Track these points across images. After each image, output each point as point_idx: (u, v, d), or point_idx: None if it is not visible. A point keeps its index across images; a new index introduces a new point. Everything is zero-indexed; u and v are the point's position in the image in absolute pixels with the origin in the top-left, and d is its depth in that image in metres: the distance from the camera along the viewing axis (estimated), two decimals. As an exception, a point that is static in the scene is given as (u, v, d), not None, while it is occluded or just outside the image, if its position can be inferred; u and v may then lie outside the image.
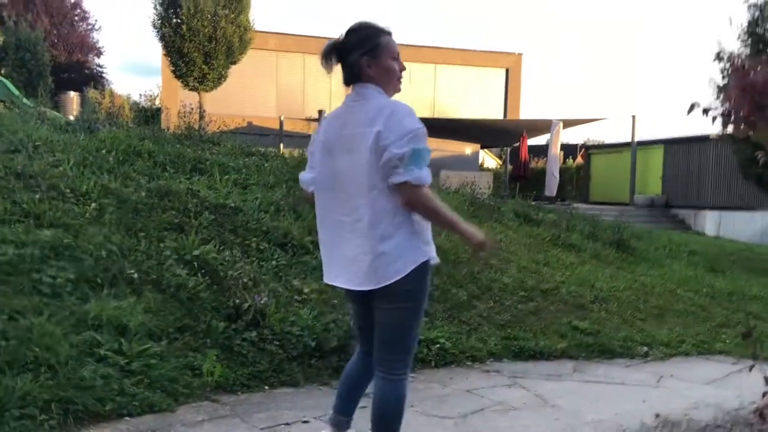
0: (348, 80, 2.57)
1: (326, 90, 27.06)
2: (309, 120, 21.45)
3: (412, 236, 2.49)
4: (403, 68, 2.57)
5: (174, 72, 17.63)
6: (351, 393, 2.84)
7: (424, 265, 2.52)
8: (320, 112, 19.66)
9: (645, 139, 21.45)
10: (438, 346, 4.90)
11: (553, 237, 9.38)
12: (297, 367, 4.18)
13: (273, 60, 26.07)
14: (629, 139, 20.67)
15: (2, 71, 21.66)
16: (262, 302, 4.46)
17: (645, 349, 5.71)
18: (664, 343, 5.92)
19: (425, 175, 2.40)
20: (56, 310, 3.76)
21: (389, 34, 2.58)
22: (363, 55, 2.50)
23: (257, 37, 18.93)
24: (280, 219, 6.25)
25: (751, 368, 3.06)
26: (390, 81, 2.55)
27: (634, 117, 20.17)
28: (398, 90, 2.59)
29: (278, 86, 26.44)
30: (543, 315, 6.18)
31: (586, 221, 11.31)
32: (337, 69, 2.59)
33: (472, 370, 4.80)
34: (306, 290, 5.09)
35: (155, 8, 17.19)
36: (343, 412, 2.84)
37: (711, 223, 17.74)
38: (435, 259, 2.59)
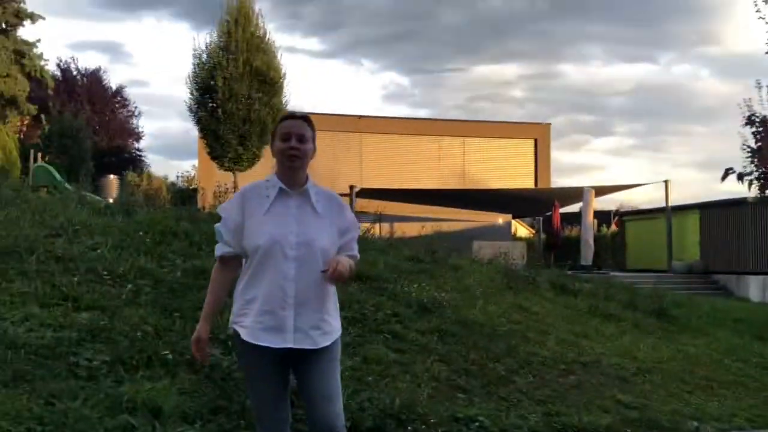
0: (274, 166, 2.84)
1: (357, 166, 27.54)
2: (341, 195, 21.69)
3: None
4: (291, 146, 2.70)
5: (210, 153, 18.15)
6: None
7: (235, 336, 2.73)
8: (351, 187, 19.94)
9: (680, 203, 21.21)
10: (477, 424, 4.73)
11: (591, 307, 9.18)
12: (332, 449, 4.07)
13: (305, 138, 26.66)
14: (663, 205, 20.43)
15: (47, 158, 22.53)
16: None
17: (695, 424, 5.45)
18: (714, 417, 5.65)
19: (216, 248, 2.77)
20: (92, 394, 3.76)
21: (288, 118, 2.83)
22: (271, 143, 2.81)
23: (289, 118, 19.44)
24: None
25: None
26: (279, 160, 2.74)
27: (667, 182, 20.04)
28: (292, 167, 2.72)
29: (310, 163, 26.95)
30: (585, 389, 5.97)
31: (624, 290, 11.07)
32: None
33: (513, 448, 4.62)
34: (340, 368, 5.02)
35: (192, 93, 17.88)
36: None
37: (755, 288, 17.23)
38: (235, 329, 2.72)
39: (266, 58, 17.81)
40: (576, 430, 5.06)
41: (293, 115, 2.83)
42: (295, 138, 2.71)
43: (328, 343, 2.70)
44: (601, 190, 20.43)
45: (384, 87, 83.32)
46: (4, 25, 29.48)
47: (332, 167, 26.90)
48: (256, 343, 2.60)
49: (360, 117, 28.96)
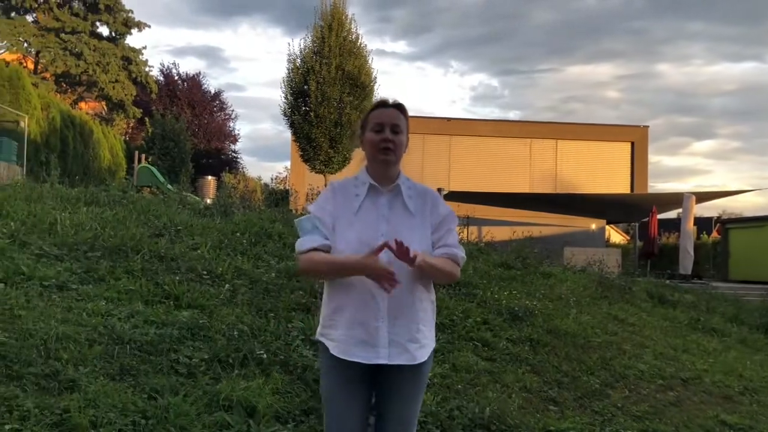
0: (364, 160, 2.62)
1: (445, 169, 27.43)
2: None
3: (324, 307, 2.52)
4: (385, 138, 2.45)
5: (302, 156, 18.56)
6: None
7: (318, 343, 2.52)
8: (439, 190, 19.86)
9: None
10: (569, 438, 4.60)
11: (691, 320, 8.75)
12: (421, 456, 4.06)
13: (394, 141, 26.84)
14: (772, 213, 19.20)
15: (149, 159, 23.70)
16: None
17: (808, 449, 5.08)
18: (830, 443, 5.25)
19: (299, 243, 2.42)
20: (191, 390, 3.90)
21: (380, 105, 2.55)
22: (360, 134, 2.57)
23: (379, 120, 19.61)
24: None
25: None
26: (371, 152, 2.50)
27: (776, 189, 18.79)
28: (386, 161, 2.47)
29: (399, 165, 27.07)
30: (685, 406, 5.69)
31: (728, 302, 10.49)
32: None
33: (608, 466, 4.45)
34: (429, 375, 5.00)
35: (286, 98, 18.34)
36: None
37: None
38: (322, 341, 2.48)
39: (358, 62, 18.02)
40: (676, 450, 4.82)
41: (385, 103, 2.54)
42: (388, 129, 2.46)
43: (425, 357, 2.46)
44: (702, 197, 19.45)
45: (473, 89, 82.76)
46: (113, 34, 31.25)
47: (420, 170, 26.92)
48: (347, 358, 2.35)
49: (449, 119, 28.83)
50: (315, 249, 2.36)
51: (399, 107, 2.53)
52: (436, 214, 2.52)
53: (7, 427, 3.07)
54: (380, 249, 2.25)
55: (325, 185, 17.13)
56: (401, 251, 2.24)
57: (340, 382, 2.42)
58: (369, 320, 2.34)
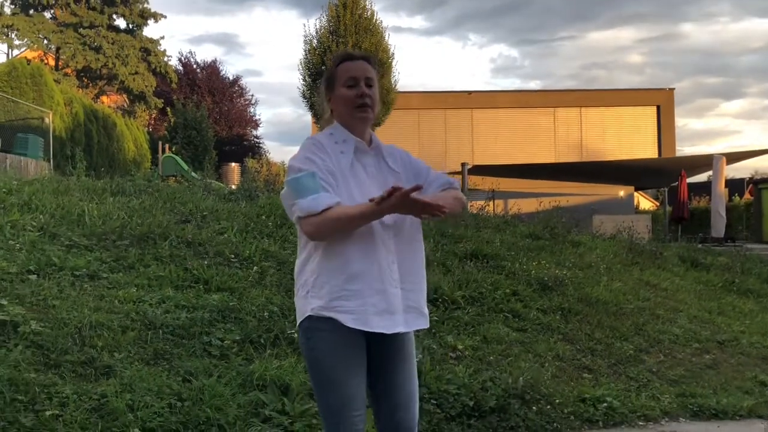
0: (330, 117, 2.35)
1: (468, 143, 27.23)
2: (453, 174, 21.59)
3: (303, 286, 2.23)
4: (362, 93, 2.23)
5: (323, 137, 18.53)
6: None
7: (307, 322, 2.20)
8: (463, 164, 19.74)
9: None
10: (605, 404, 4.56)
11: (726, 282, 8.60)
12: (456, 428, 4.05)
13: (415, 118, 26.73)
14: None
15: (173, 149, 23.90)
16: (417, 360, 4.40)
17: None
18: None
19: (309, 202, 2.08)
20: (224, 371, 3.94)
21: (350, 58, 2.31)
22: (326, 89, 2.34)
23: (400, 98, 19.52)
24: (430, 273, 6.23)
25: None
26: (347, 110, 2.26)
27: (809, 145, 18.33)
28: (365, 118, 2.26)
29: (421, 142, 26.97)
30: (722, 369, 5.61)
31: (763, 263, 10.29)
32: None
33: (646, 430, 4.41)
34: (460, 347, 5.00)
35: (304, 79, 18.32)
36: None
37: None
38: (329, 316, 2.14)
39: (374, 39, 17.92)
40: (714, 412, 4.76)
41: (352, 56, 2.32)
42: (363, 82, 2.25)
43: (428, 324, 2.33)
44: (733, 157, 19.04)
45: (492, 60, 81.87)
46: (131, 26, 31.40)
47: (443, 144, 26.77)
48: (367, 329, 2.13)
49: (470, 93, 28.55)
50: (330, 209, 2.08)
51: (367, 59, 2.33)
52: (414, 165, 2.37)
53: (47, 413, 3.13)
54: (391, 193, 1.99)
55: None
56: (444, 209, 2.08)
57: (345, 359, 2.18)
58: (386, 287, 2.15)
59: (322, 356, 2.19)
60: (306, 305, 2.20)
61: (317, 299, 2.16)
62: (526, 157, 25.15)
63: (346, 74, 2.27)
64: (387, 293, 2.16)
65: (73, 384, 3.45)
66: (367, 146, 2.30)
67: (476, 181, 17.20)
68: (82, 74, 30.33)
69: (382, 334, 2.18)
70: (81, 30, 29.07)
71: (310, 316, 2.18)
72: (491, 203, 14.07)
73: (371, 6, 18.57)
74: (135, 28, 31.57)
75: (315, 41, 18.34)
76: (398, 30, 75.27)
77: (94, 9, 29.66)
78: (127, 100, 33.02)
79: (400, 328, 2.19)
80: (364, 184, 2.22)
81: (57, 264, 4.84)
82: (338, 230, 2.11)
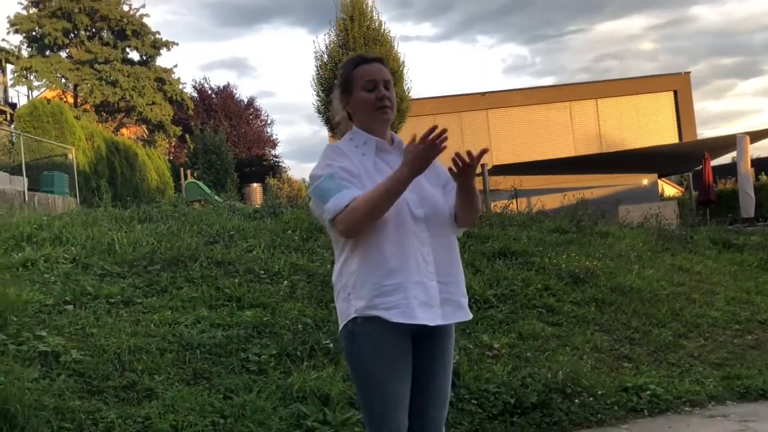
0: (347, 121, 2.34)
1: (485, 143, 27.09)
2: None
3: (343, 289, 2.21)
4: (382, 96, 2.24)
5: (341, 150, 18.60)
6: None
7: (351, 324, 2.17)
8: (483, 166, 19.62)
9: None
10: (648, 392, 4.51)
11: (761, 261, 8.45)
12: (499, 426, 4.03)
13: (431, 123, 26.70)
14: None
15: (195, 174, 24.17)
16: (453, 360, 4.39)
17: None
18: None
19: (333, 203, 2.10)
20: (264, 386, 3.96)
21: (362, 62, 2.31)
22: (341, 93, 2.32)
23: (414, 105, 19.53)
24: (461, 276, 6.22)
25: None
26: (367, 113, 2.27)
27: (834, 117, 17.98)
28: (386, 120, 2.28)
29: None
30: (766, 348, 5.51)
31: (797, 239, 10.09)
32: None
33: (692, 416, 4.35)
34: (496, 345, 4.97)
35: (318, 95, 18.42)
36: None
37: None
38: (372, 315, 2.11)
39: (384, 49, 17.94)
40: (762, 392, 4.69)
41: (367, 59, 2.33)
42: (382, 85, 2.26)
43: (470, 315, 2.30)
44: (757, 135, 18.71)
45: (503, 60, 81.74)
46: (144, 57, 31.90)
47: (460, 147, 26.71)
48: (413, 322, 2.10)
49: (483, 94, 28.50)
50: (355, 200, 2.08)
51: (381, 60, 2.34)
52: (438, 169, 2.35)
53: (94, 438, 3.17)
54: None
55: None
56: (470, 158, 2.13)
57: (392, 361, 2.15)
58: (425, 280, 2.14)
59: (367, 358, 2.16)
60: (348, 308, 2.18)
61: (359, 300, 2.14)
62: (545, 153, 24.99)
63: (364, 77, 2.26)
64: (425, 285, 2.14)
65: (116, 409, 3.50)
66: (389, 145, 2.31)
67: (498, 181, 17.10)
68: (100, 109, 30.86)
69: (424, 329, 2.15)
70: (96, 66, 29.59)
71: (354, 318, 2.15)
72: (514, 201, 14.00)
73: (378, 17, 18.66)
74: (148, 59, 32.06)
75: (326, 56, 18.44)
76: (407, 39, 75.69)
77: (107, 44, 30.21)
78: (146, 131, 33.51)
79: (439, 321, 2.16)
80: None
81: (92, 293, 4.91)
82: (369, 217, 2.08)
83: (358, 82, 2.27)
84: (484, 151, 2.15)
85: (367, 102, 2.26)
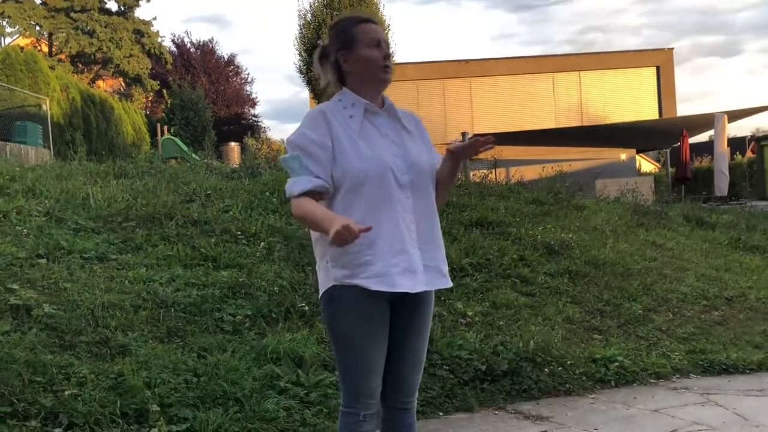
0: (336, 83, 2.30)
1: (467, 112, 27.07)
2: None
3: (323, 256, 2.21)
4: (387, 56, 2.23)
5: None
6: None
7: (331, 290, 2.18)
8: (463, 134, 19.66)
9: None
10: (616, 364, 4.61)
11: (731, 240, 8.62)
12: (470, 392, 4.10)
13: (413, 89, 26.54)
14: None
15: (172, 131, 23.80)
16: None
17: None
18: None
19: (289, 185, 2.12)
20: (238, 346, 3.97)
21: (367, 21, 2.27)
22: (339, 50, 2.24)
23: (397, 69, 19.34)
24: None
25: None
26: (370, 72, 2.22)
27: (811, 100, 18.21)
28: (386, 80, 2.25)
29: (420, 113, 26.81)
30: (731, 325, 5.65)
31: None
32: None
33: (657, 388, 4.46)
34: (470, 313, 5.03)
35: (300, 54, 18.19)
36: None
37: None
38: (352, 283, 2.12)
39: (369, 11, 17.71)
40: (724, 367, 4.82)
41: (370, 19, 2.30)
42: (385, 45, 2.25)
43: (451, 283, 2.34)
44: (734, 115, 18.90)
45: (489, 29, 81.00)
46: (122, 7, 31.08)
47: (443, 116, 26.63)
48: (392, 290, 2.11)
49: (467, 61, 28.31)
50: (308, 192, 2.08)
51: (376, 24, 2.32)
52: (427, 135, 2.39)
53: (66, 392, 3.16)
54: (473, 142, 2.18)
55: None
56: (478, 142, 2.23)
57: (370, 326, 2.17)
58: (407, 247, 2.15)
59: (344, 320, 2.18)
60: (328, 275, 2.19)
61: (338, 269, 2.14)
62: (526, 123, 25.03)
63: (369, 35, 2.22)
64: (408, 253, 2.15)
65: (89, 364, 3.49)
66: (379, 107, 2.27)
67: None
68: (76, 59, 30.11)
69: (405, 296, 2.17)
70: (72, 14, 28.78)
71: (333, 286, 2.17)
72: (493, 172, 14.01)
73: (365, -23, 18.37)
74: (127, 10, 31.22)
75: (309, 15, 18.19)
76: (392, 0, 74.57)
77: (84, -8, 29.33)
78: (123, 84, 32.83)
79: (421, 287, 2.17)
80: (377, 144, 2.19)
81: (65, 247, 4.85)
82: (301, 222, 2.17)
83: (363, 40, 2.22)
84: (490, 143, 2.21)
85: (372, 60, 2.21)
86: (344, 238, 1.89)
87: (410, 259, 2.15)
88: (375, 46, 2.22)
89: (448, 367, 4.22)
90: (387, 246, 2.12)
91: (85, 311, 3.97)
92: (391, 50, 2.29)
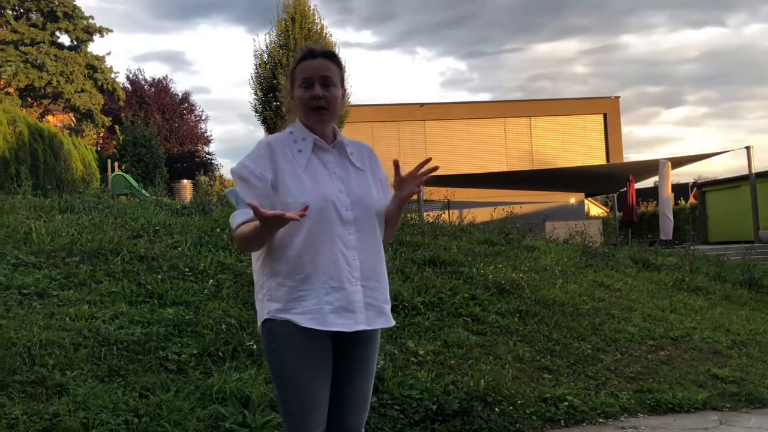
0: (291, 115, 2.34)
1: (421, 154, 27.38)
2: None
3: (260, 288, 2.20)
4: (314, 95, 2.19)
5: (276, 151, 18.43)
6: None
7: (270, 324, 2.14)
8: (395, 162, 19.81)
9: (763, 170, 20.15)
10: (566, 403, 4.62)
11: (676, 281, 8.84)
12: (420, 433, 4.04)
13: (369, 131, 26.80)
14: (744, 173, 19.46)
15: (123, 167, 23.39)
16: (378, 366, 4.38)
17: (800, 396, 5.15)
18: (820, 388, 5.33)
19: (231, 219, 2.13)
20: (182, 386, 3.85)
21: (307, 57, 2.24)
22: (290, 88, 2.28)
23: (353, 111, 19.54)
24: (389, 281, 6.22)
25: None
26: (303, 110, 2.22)
27: (749, 148, 19.05)
28: (320, 120, 2.22)
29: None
30: (676, 364, 5.74)
31: (710, 262, 10.62)
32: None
33: (606, 427, 4.48)
34: (421, 352, 4.99)
35: (256, 94, 18.19)
36: None
37: None
38: (285, 319, 2.10)
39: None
40: (671, 406, 4.87)
41: (313, 53, 2.24)
42: (318, 83, 2.19)
43: (393, 322, 2.28)
44: (678, 162, 19.61)
45: (441, 74, 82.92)
46: (75, 42, 30.71)
47: (397, 156, 26.87)
48: (324, 329, 2.07)
49: (421, 105, 28.80)
50: (246, 223, 2.06)
51: (328, 56, 2.26)
52: (379, 170, 2.39)
53: (-5, 435, 3.00)
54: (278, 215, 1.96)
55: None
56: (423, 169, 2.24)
57: (309, 362, 2.12)
58: (344, 284, 2.11)
59: (283, 358, 2.13)
60: (263, 308, 2.17)
61: (273, 302, 2.13)
62: (478, 167, 25.45)
63: (302, 74, 2.22)
64: (345, 291, 2.11)
65: (23, 404, 3.32)
66: (329, 143, 2.26)
67: (431, 191, 17.28)
68: (25, 93, 29.47)
69: (345, 333, 2.12)
70: (22, 47, 28.30)
71: (273, 321, 2.13)
72: (446, 212, 14.16)
73: (320, 20, 18.61)
74: (79, 44, 30.87)
75: (265, 55, 18.26)
76: (347, 45, 75.68)
77: (35, 26, 28.94)
78: (73, 119, 32.21)
79: (360, 326, 2.14)
80: (322, 180, 2.17)
81: (3, 283, 4.67)
82: (246, 248, 2.18)
83: (297, 79, 2.23)
84: (433, 168, 2.24)
85: (301, 100, 2.22)
86: (277, 220, 1.91)
87: (347, 297, 2.12)
88: (304, 86, 2.21)
89: (398, 407, 4.16)
90: (322, 282, 2.09)
91: (21, 349, 3.80)
92: (329, 85, 2.22)
